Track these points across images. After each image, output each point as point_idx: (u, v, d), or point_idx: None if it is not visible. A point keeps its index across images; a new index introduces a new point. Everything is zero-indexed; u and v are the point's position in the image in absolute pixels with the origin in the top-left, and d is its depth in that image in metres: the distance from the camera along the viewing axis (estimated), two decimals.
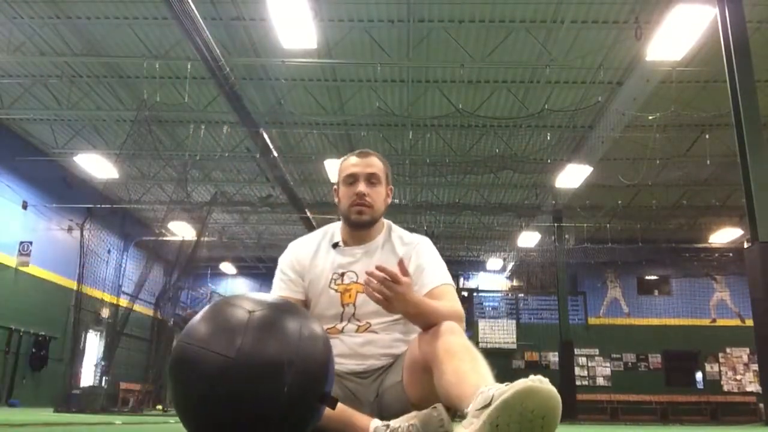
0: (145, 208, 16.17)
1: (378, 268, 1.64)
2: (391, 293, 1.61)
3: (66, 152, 13.32)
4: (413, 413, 1.60)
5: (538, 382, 1.28)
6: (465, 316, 1.89)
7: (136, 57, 9.98)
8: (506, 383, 1.34)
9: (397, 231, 2.14)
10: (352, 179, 2.04)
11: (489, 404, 1.30)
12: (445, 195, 15.55)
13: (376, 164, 2.07)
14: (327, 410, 1.50)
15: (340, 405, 1.58)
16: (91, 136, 13.19)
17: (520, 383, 1.29)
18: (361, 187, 2.01)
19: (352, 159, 2.09)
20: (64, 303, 13.90)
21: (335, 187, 2.14)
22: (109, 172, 12.73)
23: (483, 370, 1.53)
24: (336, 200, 2.13)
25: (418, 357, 1.69)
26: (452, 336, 1.61)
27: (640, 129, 10.95)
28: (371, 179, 2.04)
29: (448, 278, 1.97)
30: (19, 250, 12.89)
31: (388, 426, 1.55)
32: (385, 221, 2.15)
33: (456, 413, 1.60)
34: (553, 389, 1.30)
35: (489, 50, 9.66)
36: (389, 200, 2.13)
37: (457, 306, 1.84)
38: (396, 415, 1.64)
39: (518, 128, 11.58)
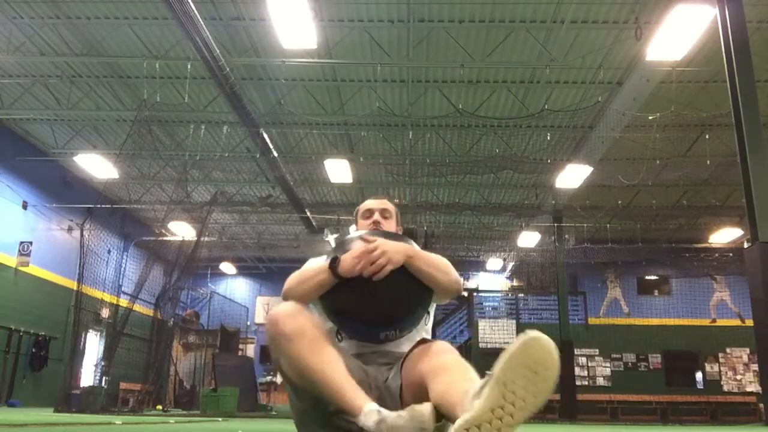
0: (145, 208, 16.16)
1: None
2: (377, 254, 1.86)
3: (66, 152, 13.33)
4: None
5: (536, 333, 1.46)
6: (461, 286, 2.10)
7: (136, 57, 9.99)
8: None
9: None
10: (369, 213, 2.42)
11: (491, 378, 1.44)
12: (445, 195, 15.54)
13: (388, 205, 2.47)
14: (329, 376, 1.71)
15: (343, 375, 1.73)
16: (91, 136, 13.19)
17: (522, 337, 1.47)
18: (377, 216, 2.39)
19: (369, 200, 2.48)
20: (64, 303, 13.90)
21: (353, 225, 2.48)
22: (109, 172, 12.73)
23: (474, 378, 1.67)
24: None
25: (416, 376, 1.82)
26: (445, 354, 1.82)
27: (640, 129, 10.94)
28: (384, 214, 2.43)
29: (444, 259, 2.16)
30: (19, 250, 12.90)
31: (380, 411, 1.59)
32: None
33: (444, 419, 1.62)
34: (550, 339, 1.47)
35: (489, 50, 9.67)
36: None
37: (455, 274, 2.03)
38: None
39: (518, 128, 11.57)
